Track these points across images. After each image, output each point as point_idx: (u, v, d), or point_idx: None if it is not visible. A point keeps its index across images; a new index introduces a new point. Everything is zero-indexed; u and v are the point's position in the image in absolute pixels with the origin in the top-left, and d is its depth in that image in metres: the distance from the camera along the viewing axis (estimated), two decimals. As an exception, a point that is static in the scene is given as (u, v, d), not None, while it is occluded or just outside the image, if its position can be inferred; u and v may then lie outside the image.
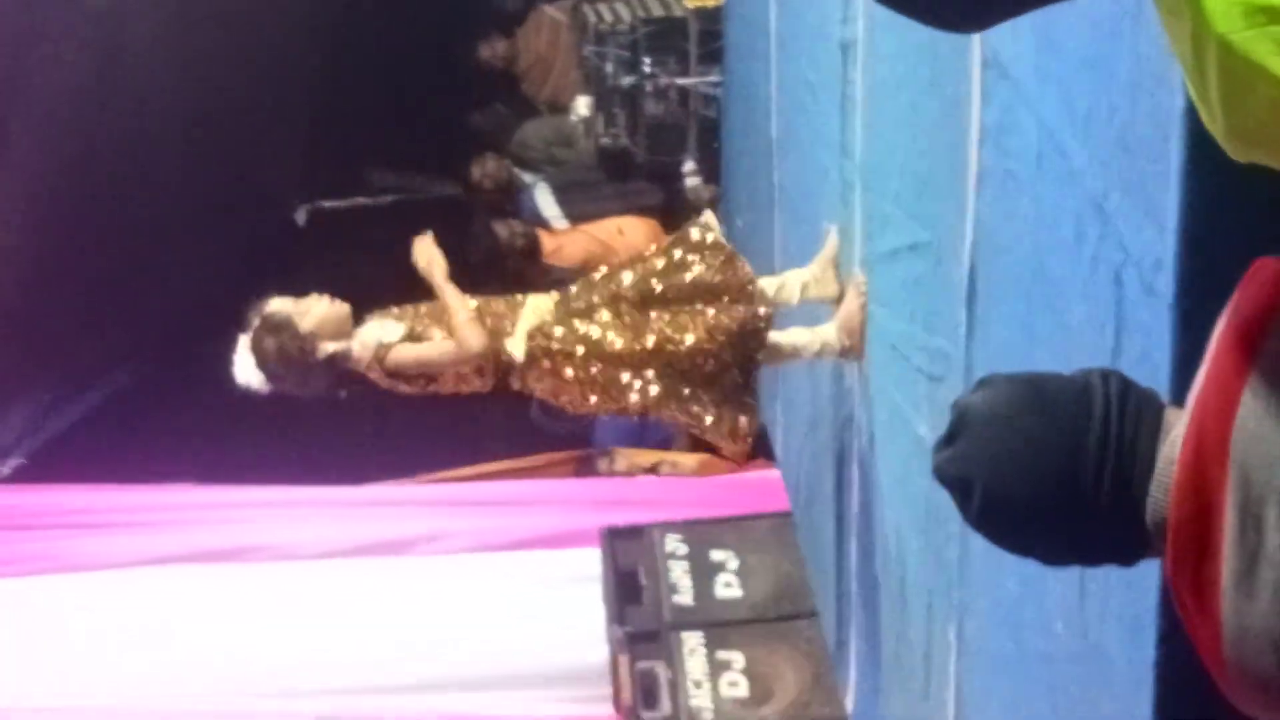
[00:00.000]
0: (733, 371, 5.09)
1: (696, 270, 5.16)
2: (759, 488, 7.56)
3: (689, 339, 5.01)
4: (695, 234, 5.27)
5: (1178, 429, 1.67)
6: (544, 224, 9.78)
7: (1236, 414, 1.57)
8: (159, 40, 8.75)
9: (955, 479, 1.80)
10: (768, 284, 5.39)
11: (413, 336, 5.07)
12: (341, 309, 5.09)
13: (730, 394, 5.07)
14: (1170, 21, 1.52)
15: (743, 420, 5.09)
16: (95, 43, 8.47)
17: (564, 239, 9.43)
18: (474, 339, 4.98)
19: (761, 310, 5.12)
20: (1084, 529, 1.75)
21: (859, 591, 5.43)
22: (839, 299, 5.43)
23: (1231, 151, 1.53)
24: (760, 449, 7.76)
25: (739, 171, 8.93)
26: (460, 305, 5.05)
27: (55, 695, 6.67)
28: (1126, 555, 1.80)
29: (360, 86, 10.45)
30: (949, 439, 1.82)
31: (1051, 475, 1.72)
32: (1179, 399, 1.74)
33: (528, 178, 10.29)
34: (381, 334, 5.06)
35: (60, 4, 8.26)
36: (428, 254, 5.18)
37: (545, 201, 10.01)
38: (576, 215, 9.82)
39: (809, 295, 5.52)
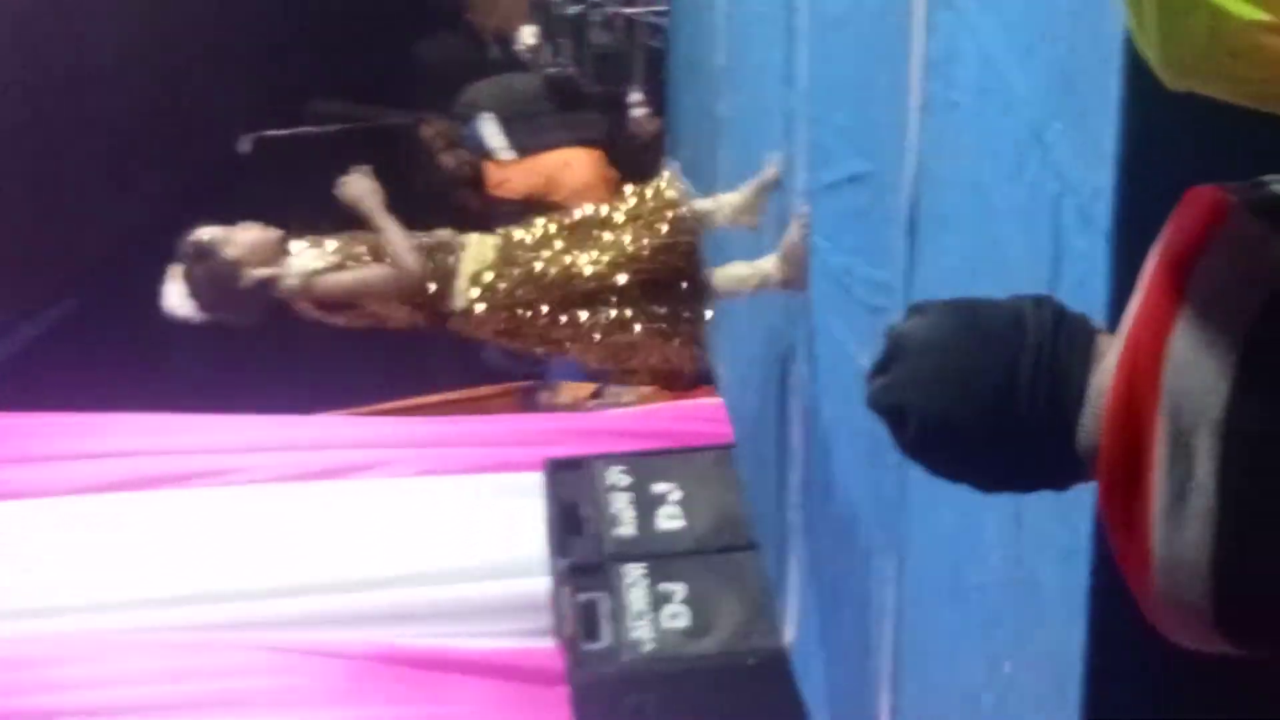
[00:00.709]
0: (679, 303, 5.08)
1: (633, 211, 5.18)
2: (703, 416, 7.56)
3: (621, 254, 5.02)
4: (649, 193, 5.28)
5: (1109, 357, 1.66)
6: (489, 155, 9.72)
7: (1168, 343, 1.56)
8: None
9: (890, 407, 1.79)
10: (698, 205, 5.39)
11: (342, 267, 5.03)
12: (271, 235, 5.05)
13: (677, 321, 5.07)
14: None
15: (693, 346, 5.11)
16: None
17: (510, 170, 9.39)
18: (413, 262, 4.95)
19: (682, 210, 5.13)
20: (1018, 454, 1.75)
21: (800, 524, 5.45)
22: (753, 225, 5.45)
23: (1167, 80, 1.52)
24: (704, 379, 7.77)
25: (684, 104, 8.90)
26: (401, 232, 5.02)
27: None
28: (1061, 480, 1.81)
29: (307, 13, 10.37)
30: (882, 367, 1.82)
31: (985, 401, 1.72)
32: (1114, 328, 1.73)
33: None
34: (311, 262, 5.02)
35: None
36: (364, 187, 5.14)
37: (491, 132, 9.94)
38: (523, 147, 9.76)
39: (731, 218, 5.51)
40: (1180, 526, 1.55)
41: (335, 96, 10.87)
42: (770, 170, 5.51)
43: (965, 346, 1.75)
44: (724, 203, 5.53)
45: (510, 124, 9.94)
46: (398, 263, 4.95)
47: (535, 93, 10.20)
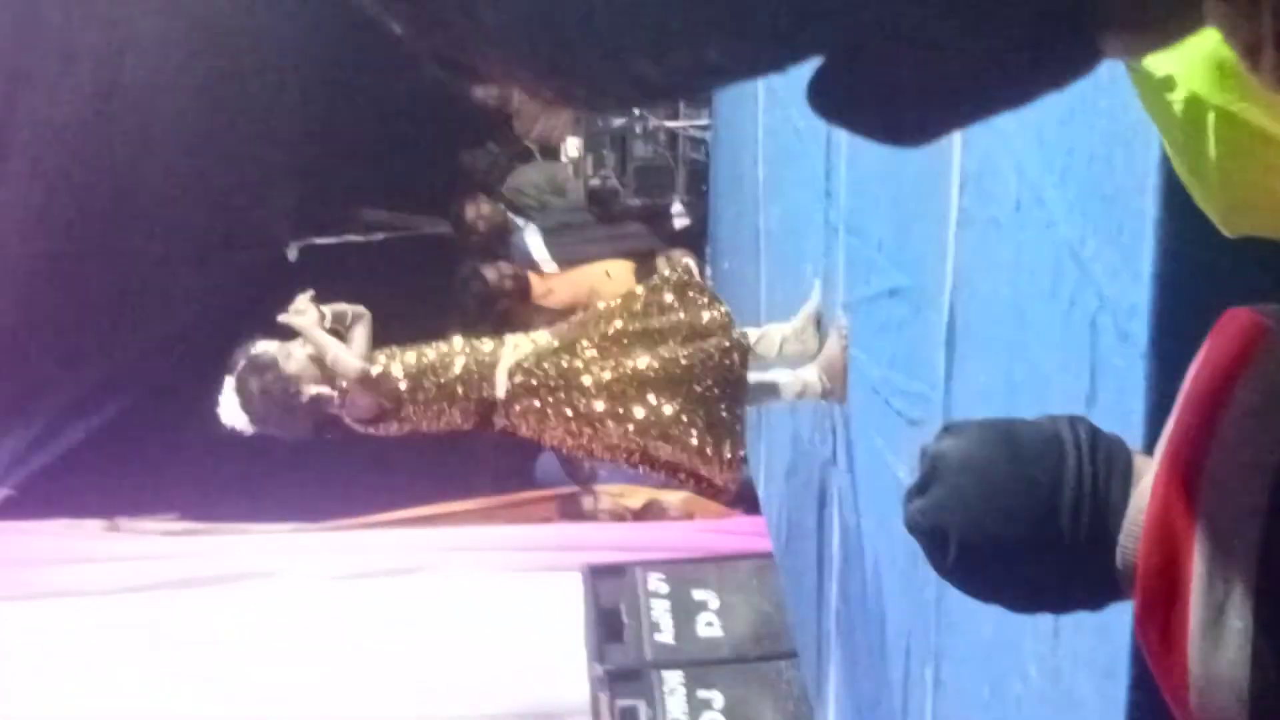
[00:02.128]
0: (718, 403, 5.12)
1: (676, 310, 5.23)
2: (742, 531, 7.58)
3: (670, 362, 5.06)
4: (669, 274, 5.35)
5: (1147, 478, 1.67)
6: (534, 266, 9.80)
7: (1205, 465, 1.58)
8: (155, 76, 8.78)
9: (929, 529, 1.78)
10: (749, 333, 5.45)
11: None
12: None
13: (715, 422, 5.10)
14: (1155, 100, 1.53)
15: (728, 445, 5.12)
16: (92, 79, 8.51)
17: (553, 282, 9.47)
18: (355, 369, 5.03)
19: (736, 336, 5.18)
20: (1058, 575, 1.74)
21: (838, 633, 5.44)
22: (815, 353, 5.49)
23: (1228, 226, 1.54)
24: (743, 498, 7.79)
25: (725, 216, 8.96)
26: (334, 343, 5.08)
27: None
28: (1098, 601, 1.80)
29: (354, 124, 10.48)
30: (921, 488, 1.81)
31: (1027, 523, 1.72)
32: (1151, 445, 1.75)
33: (519, 221, 10.32)
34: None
35: (57, 40, 8.29)
36: (299, 308, 5.21)
37: (535, 244, 10.03)
38: (566, 258, 9.84)
39: (787, 350, 5.56)
40: (1218, 645, 1.55)
41: (381, 205, 10.98)
42: (815, 295, 5.56)
43: (1004, 467, 1.75)
44: (775, 334, 5.58)
45: (554, 235, 10.02)
46: (342, 369, 5.02)
47: (578, 204, 10.29)
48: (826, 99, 0.73)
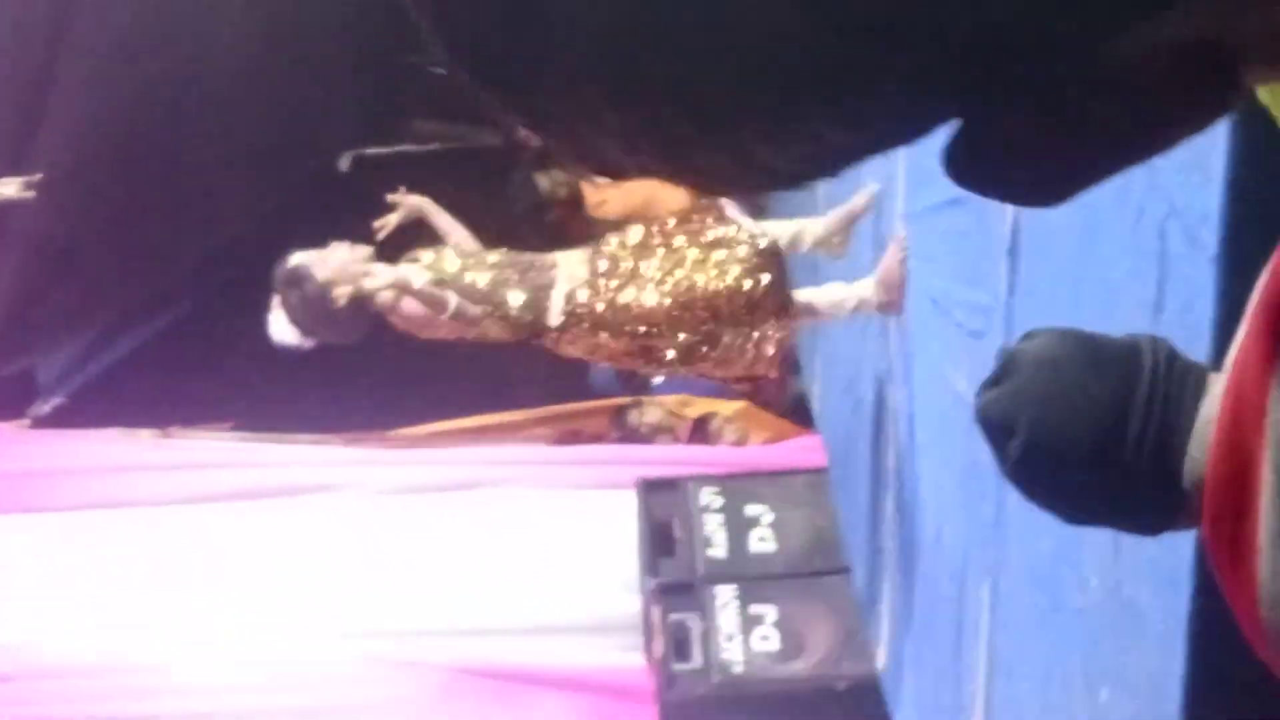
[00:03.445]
0: (755, 306, 5.08)
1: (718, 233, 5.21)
2: (796, 447, 7.57)
3: (714, 281, 5.03)
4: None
5: (1216, 388, 1.64)
6: (586, 176, 9.75)
7: (1275, 373, 1.54)
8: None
9: (998, 419, 1.75)
10: (781, 228, 5.39)
11: (439, 285, 5.07)
12: (359, 252, 5.09)
13: (760, 319, 5.07)
14: None
15: (768, 345, 5.10)
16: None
17: (608, 192, 9.40)
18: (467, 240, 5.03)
19: (763, 243, 5.15)
20: (1122, 481, 1.70)
21: (893, 548, 5.42)
22: (840, 255, 5.45)
23: None
24: (798, 414, 7.77)
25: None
26: (464, 232, 5.09)
27: (89, 631, 6.72)
28: (1157, 520, 1.77)
29: (408, 33, 10.44)
30: (994, 381, 1.79)
31: (1097, 425, 1.68)
32: (1220, 353, 1.71)
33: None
34: (405, 276, 5.05)
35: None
36: (417, 199, 5.25)
37: (589, 153, 9.97)
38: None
39: (819, 249, 5.50)
40: (1288, 555, 1.52)
41: (435, 116, 10.94)
42: (860, 198, 5.50)
43: (1080, 367, 1.72)
44: (807, 228, 5.51)
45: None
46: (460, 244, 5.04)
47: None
48: (961, 168, 0.68)
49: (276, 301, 5.10)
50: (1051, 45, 0.60)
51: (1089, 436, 1.70)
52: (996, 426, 1.77)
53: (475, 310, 5.03)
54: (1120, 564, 2.89)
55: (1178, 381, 1.69)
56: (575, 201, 9.20)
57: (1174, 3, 0.60)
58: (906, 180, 5.07)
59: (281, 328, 5.10)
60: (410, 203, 5.35)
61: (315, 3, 9.54)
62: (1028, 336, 1.83)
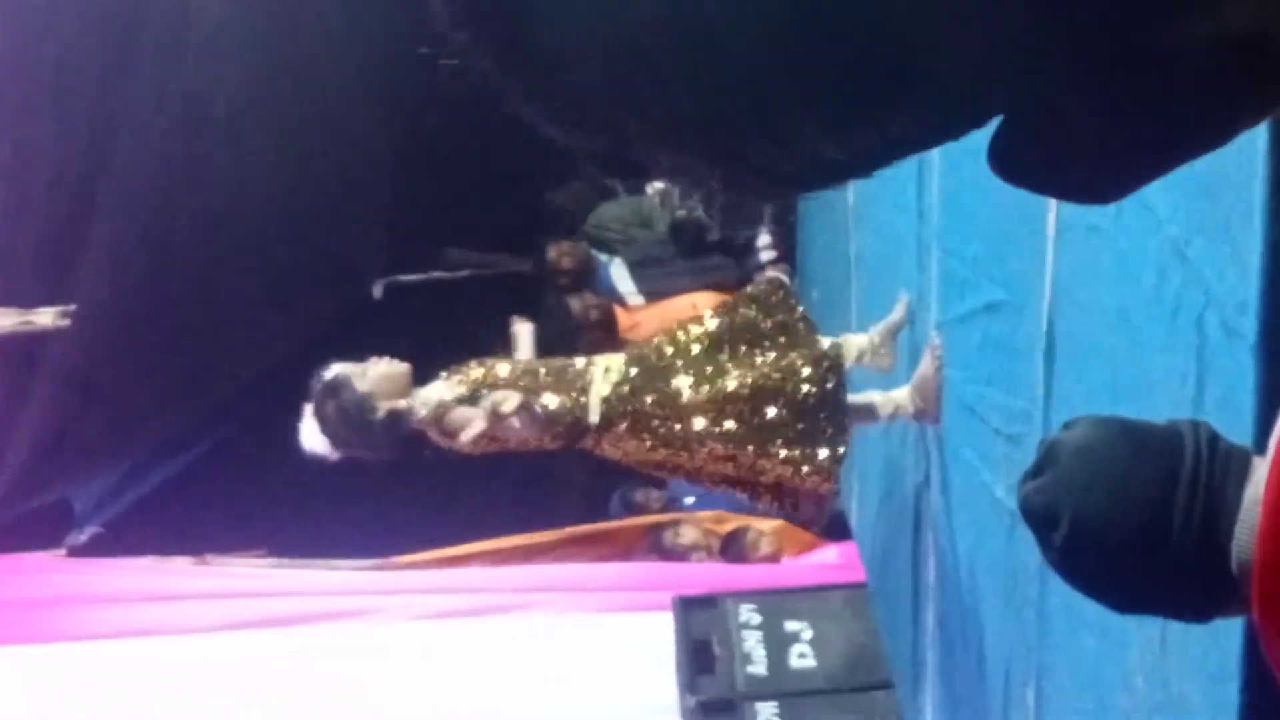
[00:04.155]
0: (815, 412, 5.07)
1: (762, 320, 5.21)
2: (834, 562, 7.55)
3: (762, 376, 5.03)
4: (763, 288, 5.35)
5: (1261, 471, 1.64)
6: (620, 300, 9.80)
7: None
8: (243, 115, 8.84)
9: (1042, 510, 1.75)
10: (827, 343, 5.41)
11: (474, 398, 5.08)
12: (399, 368, 5.13)
13: (812, 432, 5.05)
14: None
15: (823, 454, 5.06)
16: (182, 118, 8.58)
17: (640, 315, 9.45)
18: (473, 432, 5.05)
19: (828, 347, 5.15)
20: (1168, 571, 1.70)
21: (935, 660, 5.38)
22: (888, 368, 5.45)
23: None
24: (835, 529, 7.74)
25: (815, 244, 8.93)
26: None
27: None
28: (1205, 606, 1.75)
29: (440, 161, 10.53)
30: (1037, 470, 1.78)
31: (1141, 513, 1.68)
32: (1262, 442, 1.71)
33: (603, 256, 10.32)
34: (442, 393, 5.08)
35: (148, 81, 8.38)
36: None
37: (620, 277, 10.03)
38: (652, 291, 9.83)
39: (864, 362, 5.51)
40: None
41: (466, 243, 11.01)
42: (899, 310, 5.52)
43: (1123, 455, 1.72)
44: (851, 342, 5.52)
45: (640, 269, 10.02)
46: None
47: (664, 235, 10.28)
48: (1011, 162, 0.69)
49: (310, 410, 5.12)
50: (1109, 33, 0.60)
51: (1134, 523, 1.69)
52: (1040, 517, 1.76)
53: (511, 415, 5.04)
54: (1166, 661, 2.86)
55: (1221, 465, 1.68)
56: (608, 324, 9.25)
57: None
58: (940, 289, 5.09)
59: (313, 436, 5.12)
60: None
61: (347, 135, 9.63)
62: (1068, 426, 1.83)
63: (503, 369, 5.22)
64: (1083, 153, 0.68)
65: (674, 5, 0.58)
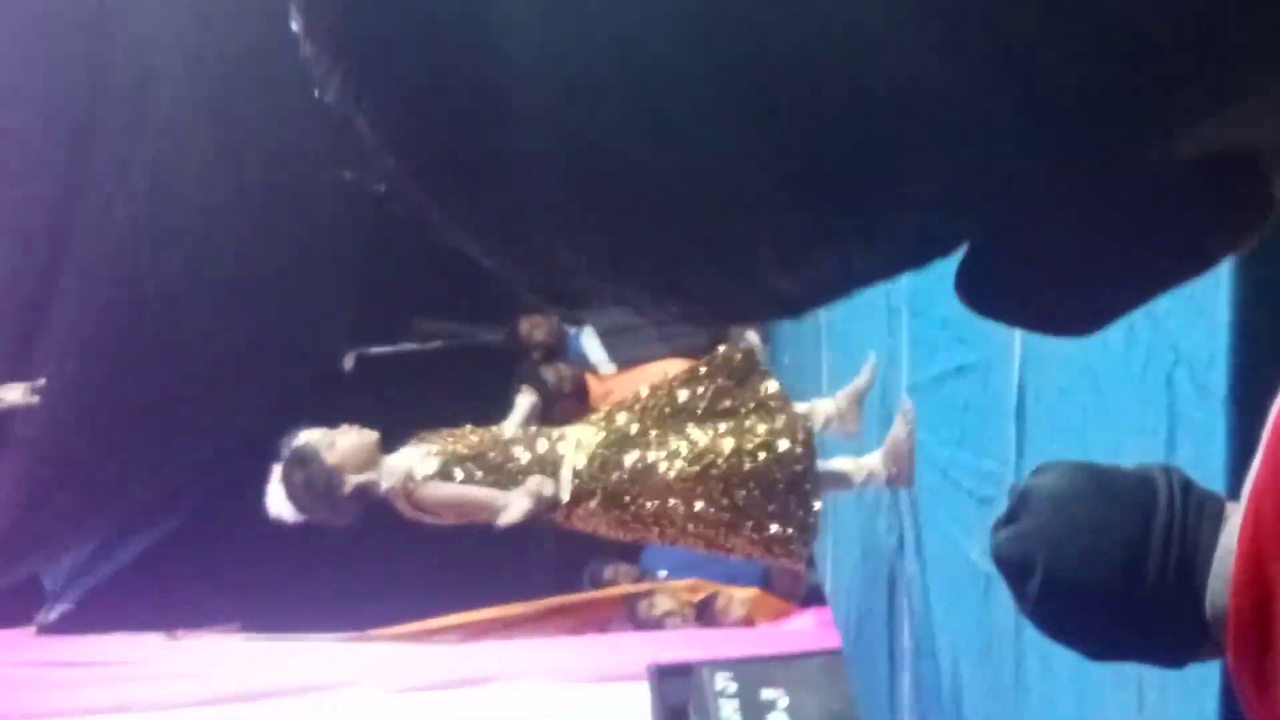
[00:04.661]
0: (786, 495, 5.05)
1: (734, 388, 5.20)
2: (809, 628, 7.52)
3: (735, 454, 5.01)
4: (734, 354, 5.34)
5: (1235, 519, 1.63)
6: (592, 368, 9.78)
7: None
8: (209, 186, 8.84)
9: (1016, 558, 1.74)
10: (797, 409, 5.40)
11: (446, 473, 5.06)
12: (368, 438, 5.11)
13: (782, 514, 5.04)
14: None
15: (792, 533, 5.05)
16: (146, 190, 8.57)
17: (612, 383, 9.42)
18: (517, 513, 5.00)
19: (799, 433, 5.12)
20: (1143, 617, 1.69)
21: (912, 725, 5.36)
22: (855, 433, 5.45)
23: None
24: (811, 594, 7.72)
25: (785, 311, 8.93)
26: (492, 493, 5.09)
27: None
28: (1182, 651, 1.74)
29: (408, 234, 10.54)
30: (1009, 518, 1.77)
31: (1115, 559, 1.67)
32: (1235, 496, 1.70)
33: (572, 329, 10.32)
34: (412, 465, 5.05)
35: (112, 151, 8.37)
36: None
37: (592, 346, 10.02)
38: (624, 359, 9.82)
39: (831, 428, 5.50)
40: (1314, 690, 1.50)
41: (436, 315, 11.00)
42: (865, 373, 5.52)
43: (1096, 501, 1.71)
44: (820, 410, 5.52)
45: (611, 337, 10.01)
46: (506, 509, 5.02)
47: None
48: (977, 292, 0.65)
49: (277, 474, 5.10)
50: (1097, 151, 0.57)
51: (1108, 570, 1.68)
52: (1013, 565, 1.75)
53: (482, 493, 5.03)
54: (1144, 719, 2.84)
55: (1195, 511, 1.68)
56: (581, 395, 9.22)
57: (1224, 108, 0.57)
58: (910, 352, 5.08)
59: (278, 502, 5.10)
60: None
61: (314, 207, 9.63)
62: (1039, 471, 1.81)
63: (475, 438, 5.20)
64: (1058, 283, 0.64)
65: (637, 114, 0.55)
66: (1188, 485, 1.72)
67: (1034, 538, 1.72)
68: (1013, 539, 1.74)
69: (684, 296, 0.61)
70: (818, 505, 5.16)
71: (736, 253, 0.58)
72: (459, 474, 5.07)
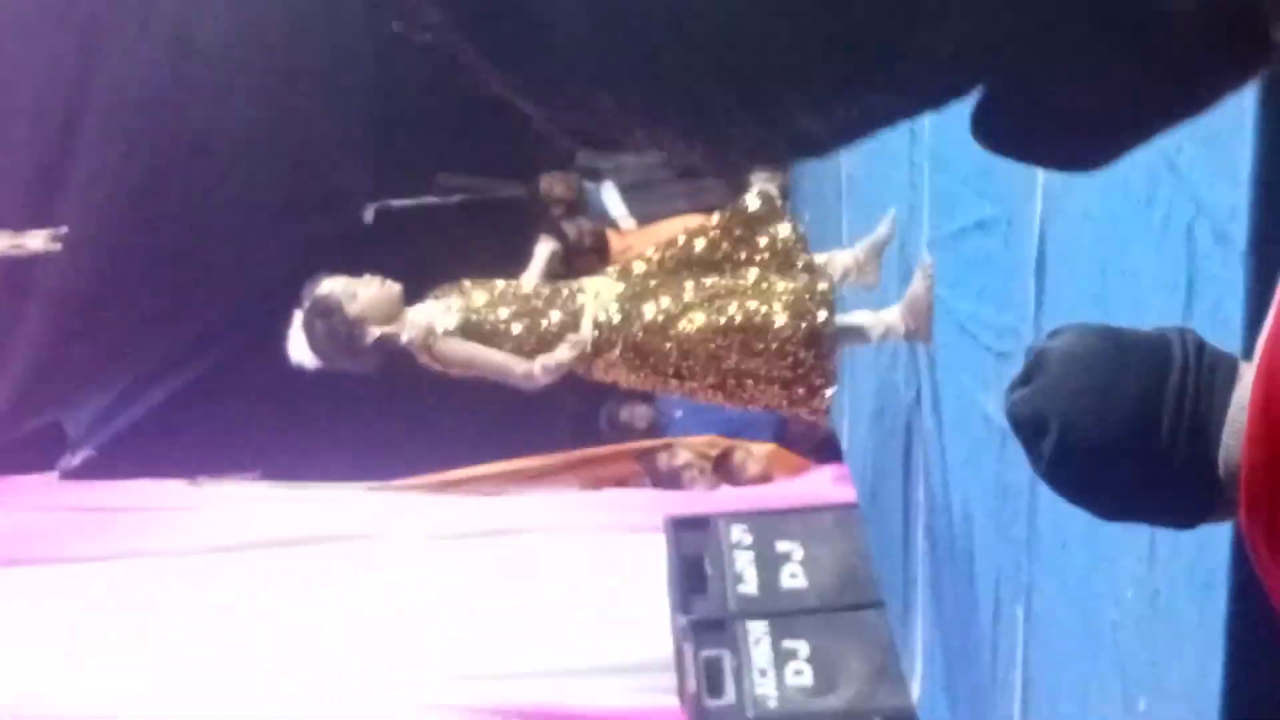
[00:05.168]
0: (804, 346, 5.07)
1: (753, 236, 5.21)
2: (825, 481, 7.56)
3: (757, 308, 5.02)
4: (752, 203, 5.32)
5: (1249, 376, 1.63)
6: (612, 224, 9.76)
7: None
8: (230, 38, 8.80)
9: (1030, 417, 1.74)
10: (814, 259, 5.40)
11: (468, 327, 5.07)
12: (391, 290, 5.11)
13: (801, 365, 5.05)
14: None
15: (818, 383, 5.08)
16: (168, 41, 8.55)
17: (632, 239, 9.40)
18: (522, 373, 5.02)
19: (820, 285, 5.13)
20: (1157, 477, 1.70)
21: (925, 578, 5.40)
22: (873, 284, 5.45)
23: None
24: (826, 449, 7.75)
25: (807, 168, 8.89)
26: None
27: (122, 681, 6.72)
28: (1194, 511, 1.75)
29: (429, 87, 10.48)
30: (1025, 379, 1.77)
31: (1129, 418, 1.68)
32: (1250, 348, 1.70)
33: (592, 184, 10.28)
34: (434, 319, 5.06)
35: (132, 6, 8.34)
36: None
37: (612, 201, 9.99)
38: (644, 215, 9.79)
39: (850, 280, 5.51)
40: (1327, 537, 1.51)
41: (458, 169, 10.96)
42: (884, 226, 5.51)
43: (1110, 361, 1.72)
44: (837, 259, 5.53)
45: (632, 192, 9.98)
46: (516, 370, 5.03)
47: (655, 159, 10.23)
48: (993, 132, 0.69)
49: (299, 321, 5.12)
50: (1096, 4, 0.59)
51: (1122, 430, 1.69)
52: (1028, 425, 1.76)
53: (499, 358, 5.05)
54: (1155, 573, 2.87)
55: (1208, 370, 1.68)
56: (601, 250, 9.20)
57: None
58: (931, 208, 5.07)
59: (300, 349, 5.12)
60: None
61: (334, 59, 9.58)
62: (1054, 334, 1.82)
63: (495, 290, 5.20)
64: (1068, 121, 0.68)
65: None
66: (1202, 346, 1.72)
67: (1048, 397, 1.73)
68: (1027, 398, 1.75)
69: (713, 138, 0.63)
70: (837, 357, 5.17)
71: (765, 95, 0.61)
72: (490, 318, 5.09)
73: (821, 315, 5.08)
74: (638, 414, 8.79)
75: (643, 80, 0.61)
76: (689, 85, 0.61)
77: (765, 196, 5.41)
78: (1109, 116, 0.69)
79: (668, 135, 0.65)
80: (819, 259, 5.45)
